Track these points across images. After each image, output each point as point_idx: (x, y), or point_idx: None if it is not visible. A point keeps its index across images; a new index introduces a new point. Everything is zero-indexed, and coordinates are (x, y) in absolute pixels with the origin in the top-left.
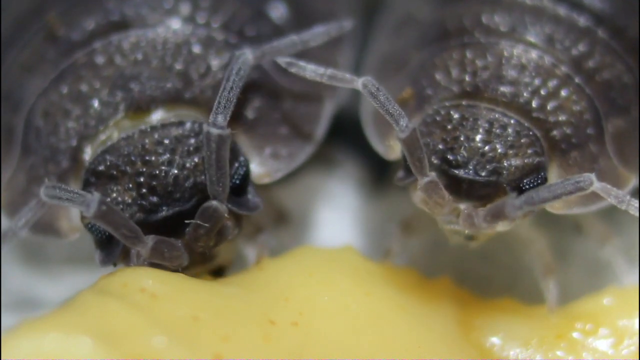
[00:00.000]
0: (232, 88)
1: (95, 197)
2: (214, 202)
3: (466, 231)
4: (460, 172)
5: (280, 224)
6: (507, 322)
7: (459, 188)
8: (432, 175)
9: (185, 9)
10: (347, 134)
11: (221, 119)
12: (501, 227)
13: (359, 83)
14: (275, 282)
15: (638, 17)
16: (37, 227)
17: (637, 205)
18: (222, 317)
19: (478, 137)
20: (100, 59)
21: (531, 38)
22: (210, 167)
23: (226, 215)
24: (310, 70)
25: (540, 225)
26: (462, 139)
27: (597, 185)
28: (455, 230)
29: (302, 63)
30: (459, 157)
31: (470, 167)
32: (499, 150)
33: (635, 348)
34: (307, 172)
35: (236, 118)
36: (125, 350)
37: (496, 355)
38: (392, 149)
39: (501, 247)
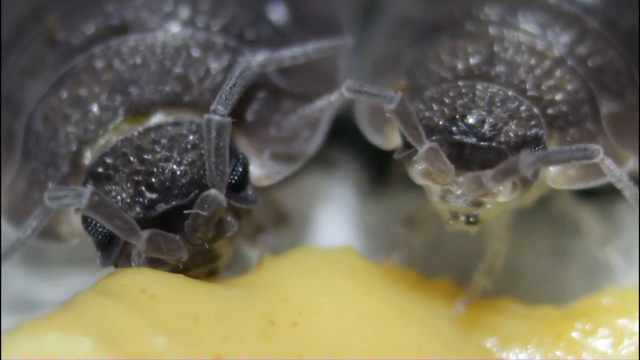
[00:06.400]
0: (234, 85)
1: (88, 188)
2: (213, 191)
3: (468, 208)
4: (462, 138)
5: (280, 225)
6: (506, 322)
7: (461, 156)
8: (432, 143)
9: (184, 12)
10: (346, 135)
11: (222, 109)
12: (506, 193)
13: (342, 90)
14: (275, 282)
15: (629, 11)
16: (38, 232)
17: (635, 190)
18: (222, 318)
19: (480, 105)
20: (99, 64)
21: (522, 25)
22: (210, 155)
23: (225, 205)
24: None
25: (541, 225)
26: (463, 108)
27: (602, 156)
28: (457, 209)
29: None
30: (460, 124)
31: (473, 133)
32: (502, 117)
33: (635, 348)
34: (307, 173)
35: (236, 121)
36: (125, 350)
37: (496, 355)
38: (389, 138)
39: None
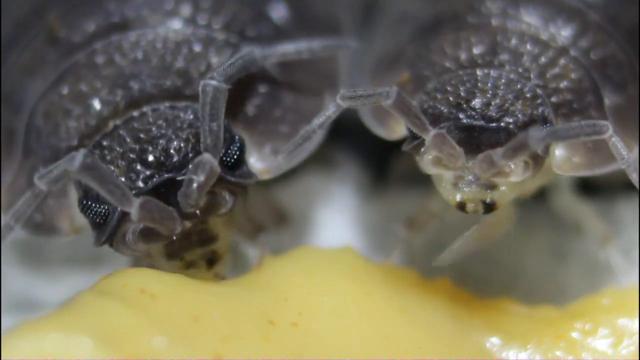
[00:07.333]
0: (233, 63)
1: (80, 151)
2: (206, 155)
3: (482, 193)
4: (470, 122)
5: (280, 225)
6: (506, 323)
7: (471, 139)
8: (437, 129)
9: (186, 10)
10: (346, 135)
11: (218, 75)
12: (519, 172)
13: (337, 101)
14: (275, 282)
15: (630, 6)
16: (39, 228)
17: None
18: (221, 318)
19: (484, 89)
20: (100, 59)
21: (524, 17)
22: (204, 120)
23: (218, 170)
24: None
25: (541, 225)
26: (467, 93)
27: (610, 133)
28: (470, 195)
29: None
30: (467, 108)
31: (480, 116)
32: (507, 98)
33: (634, 348)
34: (307, 172)
35: (236, 115)
36: (125, 350)
37: (495, 355)
38: (393, 129)
39: (501, 247)
